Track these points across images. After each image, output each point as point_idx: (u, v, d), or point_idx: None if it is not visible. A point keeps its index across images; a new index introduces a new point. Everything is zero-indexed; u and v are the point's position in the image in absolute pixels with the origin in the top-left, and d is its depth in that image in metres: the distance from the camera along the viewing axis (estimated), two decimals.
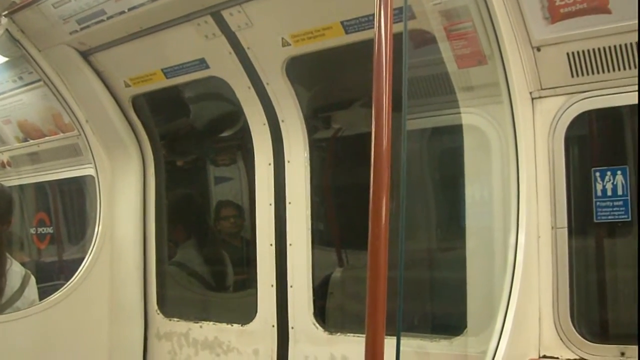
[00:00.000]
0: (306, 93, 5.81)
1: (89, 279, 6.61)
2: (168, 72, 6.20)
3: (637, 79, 4.04)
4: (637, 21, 3.92)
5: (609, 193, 4.25)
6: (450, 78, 4.64)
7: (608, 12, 3.98)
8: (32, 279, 6.29)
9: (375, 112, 2.75)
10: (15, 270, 6.14)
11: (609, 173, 4.25)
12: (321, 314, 5.78)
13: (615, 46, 4.06)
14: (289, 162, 5.79)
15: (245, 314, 6.07)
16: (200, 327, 6.36)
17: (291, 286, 5.74)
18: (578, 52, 4.18)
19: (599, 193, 4.28)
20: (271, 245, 5.88)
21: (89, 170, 7.33)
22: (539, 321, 4.33)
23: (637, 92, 4.02)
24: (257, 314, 5.95)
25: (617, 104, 4.18)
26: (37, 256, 9.56)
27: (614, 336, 4.33)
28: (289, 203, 5.79)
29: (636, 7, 3.86)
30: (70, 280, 6.56)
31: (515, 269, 4.10)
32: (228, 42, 5.56)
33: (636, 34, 3.95)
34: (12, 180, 8.85)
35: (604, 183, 4.26)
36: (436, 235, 5.89)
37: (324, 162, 6.20)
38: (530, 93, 4.39)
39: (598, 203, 4.29)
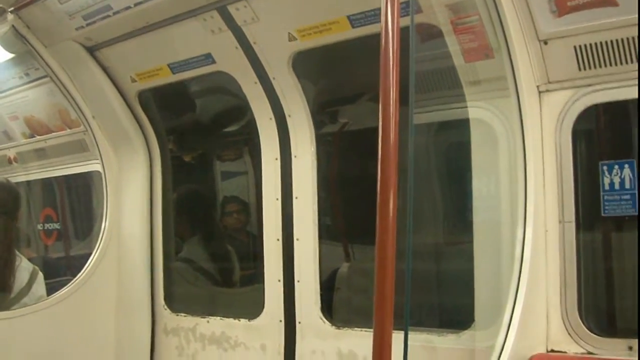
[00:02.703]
0: (313, 87, 5.80)
1: (96, 275, 6.63)
2: (174, 68, 6.20)
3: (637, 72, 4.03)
4: (637, 15, 3.92)
5: (617, 187, 4.23)
6: (457, 72, 4.63)
7: (615, 4, 3.97)
8: (40, 275, 6.31)
9: (382, 106, 2.75)
10: (23, 267, 6.15)
11: (616, 167, 4.24)
12: (328, 309, 5.78)
13: (622, 39, 4.04)
14: (295, 156, 5.79)
15: (253, 309, 6.07)
16: (208, 322, 6.37)
17: (298, 281, 5.74)
18: (585, 46, 4.16)
19: (607, 187, 4.27)
20: (278, 240, 5.87)
21: (95, 166, 7.35)
22: (546, 315, 4.32)
23: (637, 87, 4.02)
24: (264, 309, 5.95)
25: (624, 98, 4.16)
26: (44, 252, 9.58)
27: (621, 330, 4.33)
28: (296, 198, 5.79)
29: None
30: (78, 276, 6.58)
31: (522, 263, 4.09)
32: (234, 37, 5.56)
33: None
34: (19, 176, 8.87)
35: (612, 177, 4.25)
36: (443, 230, 5.89)
37: (330, 156, 6.20)
38: (538, 87, 4.38)
39: (605, 197, 4.27)
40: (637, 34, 3.97)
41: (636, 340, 4.00)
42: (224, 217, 7.68)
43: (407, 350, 3.05)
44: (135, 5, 5.57)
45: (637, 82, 4.01)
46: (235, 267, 7.46)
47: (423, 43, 4.77)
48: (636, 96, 4.02)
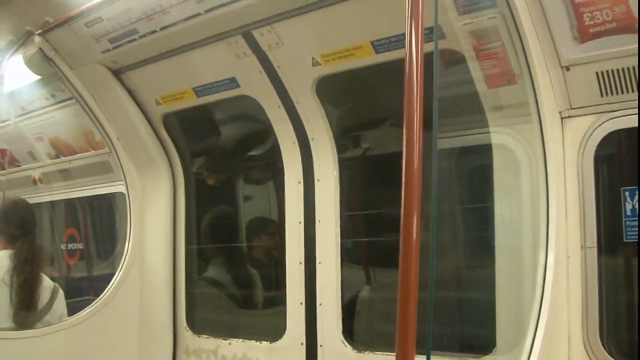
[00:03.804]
0: (336, 112, 5.82)
1: (118, 295, 6.65)
2: (199, 91, 6.25)
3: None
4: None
5: (639, 212, 4.23)
6: (479, 97, 4.65)
7: (637, 31, 3.98)
8: (61, 293, 6.34)
9: (406, 131, 2.76)
10: (45, 285, 6.20)
11: (638, 192, 4.24)
12: (350, 332, 5.77)
13: None
14: (318, 180, 5.81)
15: (274, 331, 6.08)
16: (229, 344, 6.38)
17: (320, 304, 5.75)
18: (607, 72, 4.17)
19: (629, 212, 4.26)
20: (300, 263, 5.89)
21: (119, 188, 7.39)
22: (568, 340, 4.31)
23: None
24: (286, 331, 5.96)
25: None
26: (66, 271, 9.63)
27: None
28: (319, 221, 5.80)
29: None
30: (100, 297, 6.60)
31: (544, 288, 4.08)
32: (259, 61, 5.60)
33: None
34: (44, 196, 8.93)
35: (634, 202, 4.25)
36: (465, 254, 5.88)
37: (353, 180, 6.20)
38: (560, 112, 4.38)
39: (627, 222, 4.27)
40: None
41: None
42: (248, 240, 7.68)
43: None
44: (161, 29, 5.63)
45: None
46: (257, 290, 7.46)
47: (446, 69, 4.79)
48: None
